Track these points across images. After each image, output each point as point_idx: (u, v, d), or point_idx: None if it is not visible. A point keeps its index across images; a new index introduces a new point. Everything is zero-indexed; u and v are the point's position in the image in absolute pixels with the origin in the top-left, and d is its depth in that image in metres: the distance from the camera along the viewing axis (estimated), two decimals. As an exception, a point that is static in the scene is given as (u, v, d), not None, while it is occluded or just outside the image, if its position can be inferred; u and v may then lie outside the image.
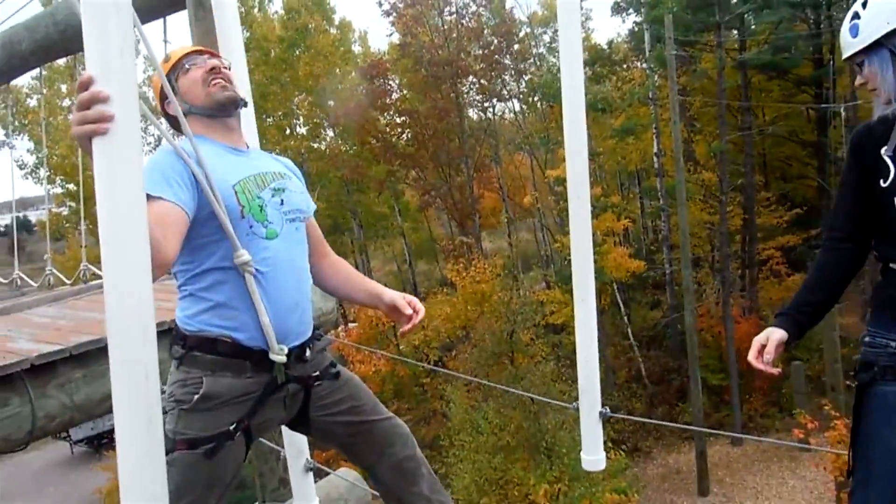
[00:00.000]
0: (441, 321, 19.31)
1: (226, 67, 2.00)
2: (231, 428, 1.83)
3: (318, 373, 2.02)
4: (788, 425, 15.26)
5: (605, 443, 2.45)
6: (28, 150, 26.89)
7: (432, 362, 18.99)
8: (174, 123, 1.98)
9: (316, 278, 2.16)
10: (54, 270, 5.44)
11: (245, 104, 2.04)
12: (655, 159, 21.44)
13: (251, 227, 1.85)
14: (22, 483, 19.95)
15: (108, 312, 1.30)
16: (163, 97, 1.96)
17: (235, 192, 1.84)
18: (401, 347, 21.55)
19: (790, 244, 20.12)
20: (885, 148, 1.75)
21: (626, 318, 21.83)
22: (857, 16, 1.75)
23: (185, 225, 1.72)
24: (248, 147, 2.06)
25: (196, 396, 1.80)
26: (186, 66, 1.97)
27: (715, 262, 21.63)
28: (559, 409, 13.23)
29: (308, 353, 1.99)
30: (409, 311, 2.12)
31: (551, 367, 15.47)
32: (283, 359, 1.86)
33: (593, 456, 2.40)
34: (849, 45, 1.77)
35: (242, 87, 2.41)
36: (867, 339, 1.83)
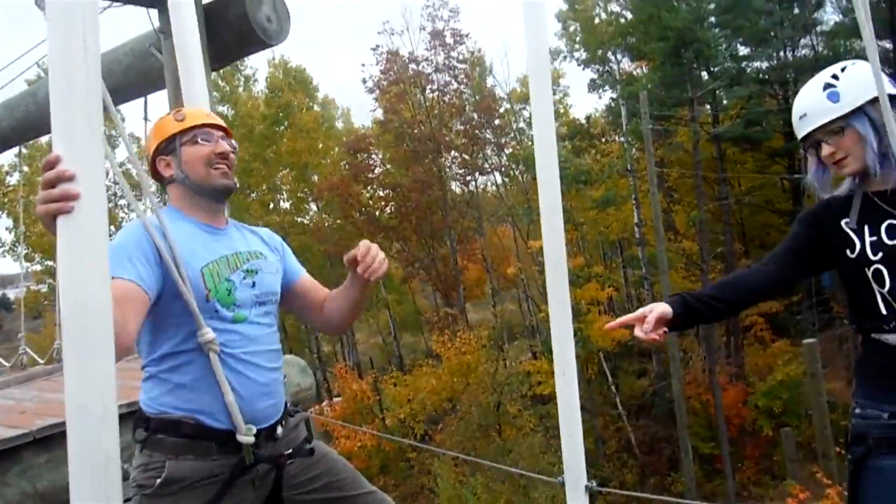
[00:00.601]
0: (427, 394, 19.07)
1: (233, 152, 1.98)
2: None
3: (290, 450, 1.93)
4: (782, 493, 14.98)
5: (593, 515, 2.39)
6: (6, 228, 26.81)
7: (418, 436, 18.63)
8: (157, 177, 1.98)
9: (325, 324, 2.16)
10: (27, 350, 5.33)
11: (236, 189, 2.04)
12: (636, 229, 21.73)
13: (216, 311, 1.81)
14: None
15: (68, 396, 1.25)
16: (158, 152, 1.94)
17: (203, 275, 1.81)
18: (386, 422, 21.15)
19: (773, 311, 20.24)
20: (846, 220, 1.80)
21: (613, 387, 21.64)
22: (831, 85, 1.78)
23: (145, 305, 1.69)
24: (227, 223, 2.02)
25: (158, 481, 1.73)
26: (198, 138, 1.93)
27: (699, 329, 21.64)
28: (550, 482, 12.94)
29: (280, 430, 1.92)
30: (362, 253, 1.88)
31: (539, 439, 15.25)
32: (251, 440, 1.79)
33: (579, 532, 2.33)
34: (828, 110, 1.77)
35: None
36: (857, 410, 1.80)
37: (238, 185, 2.03)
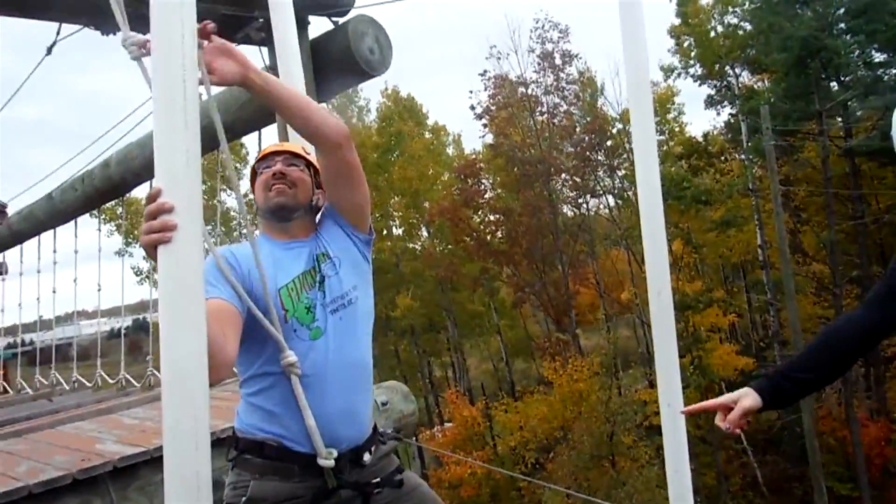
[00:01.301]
0: (538, 421, 18.73)
1: (302, 168, 1.98)
2: None
3: (378, 479, 1.92)
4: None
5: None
6: (143, 258, 28.92)
7: (529, 464, 18.29)
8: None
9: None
10: (154, 371, 5.62)
11: (311, 208, 2.01)
12: (760, 251, 20.62)
13: (295, 330, 1.83)
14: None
15: (165, 421, 1.30)
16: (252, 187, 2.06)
17: (280, 297, 1.84)
18: (497, 449, 20.94)
19: (919, 339, 18.55)
20: None
21: (737, 420, 20.45)
22: None
23: (239, 320, 1.72)
24: (312, 233, 1.99)
25: (244, 499, 1.78)
26: (259, 171, 2.01)
27: (833, 358, 20.13)
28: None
29: (367, 457, 1.90)
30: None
31: (656, 472, 14.56)
32: (331, 463, 1.78)
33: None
34: None
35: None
36: None
37: (300, 202, 1.96)
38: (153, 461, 2.92)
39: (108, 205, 7.44)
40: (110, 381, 6.26)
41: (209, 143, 4.35)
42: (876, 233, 21.09)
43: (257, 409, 1.84)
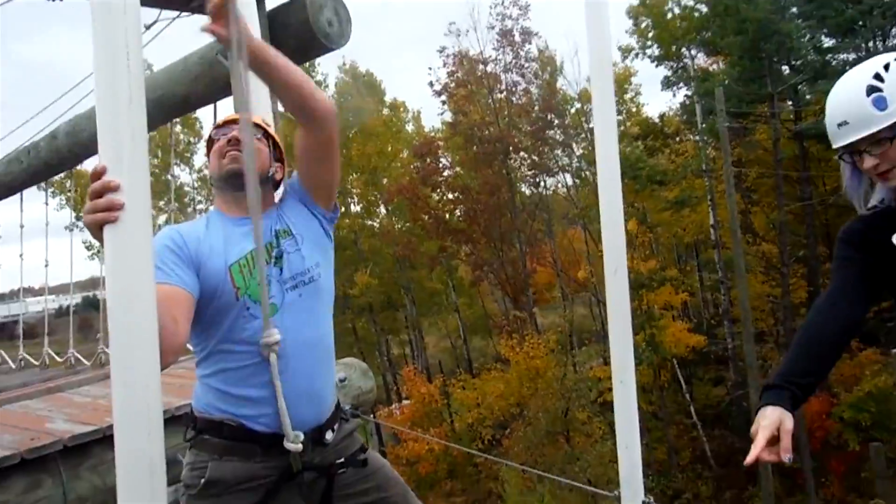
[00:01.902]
0: (495, 398, 18.95)
1: (259, 137, 1.92)
2: None
3: (342, 459, 1.89)
4: (870, 513, 14.17)
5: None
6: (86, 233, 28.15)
7: (486, 441, 18.52)
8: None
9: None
10: (105, 349, 5.51)
11: (267, 179, 1.93)
12: (712, 231, 21.06)
13: (248, 308, 1.76)
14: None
15: (115, 402, 1.28)
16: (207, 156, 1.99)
17: (231, 274, 1.77)
18: (455, 426, 21.14)
19: (861, 317, 19.22)
20: None
21: (688, 395, 21.00)
22: (876, 88, 1.56)
23: (191, 304, 1.69)
24: (266, 208, 1.89)
25: (202, 481, 1.74)
26: (216, 138, 1.94)
27: (780, 336, 20.76)
28: (606, 496, 12.63)
29: (329, 436, 1.87)
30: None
31: (609, 447, 14.87)
32: (299, 447, 1.74)
33: (637, 550, 2.21)
34: (873, 119, 1.55)
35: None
36: None
37: (256, 170, 1.72)
38: (106, 439, 2.86)
39: (56, 178, 7.22)
40: (58, 359, 6.12)
41: (161, 117, 4.21)
42: (822, 214, 21.73)
43: (214, 390, 1.79)
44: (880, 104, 1.56)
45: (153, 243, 1.76)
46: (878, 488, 14.26)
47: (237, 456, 1.75)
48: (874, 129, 1.56)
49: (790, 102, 20.41)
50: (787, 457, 1.49)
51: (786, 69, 19.84)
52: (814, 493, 16.36)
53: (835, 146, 1.66)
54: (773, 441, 1.51)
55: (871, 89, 1.57)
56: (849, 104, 1.61)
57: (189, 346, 1.83)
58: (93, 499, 2.80)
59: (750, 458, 1.52)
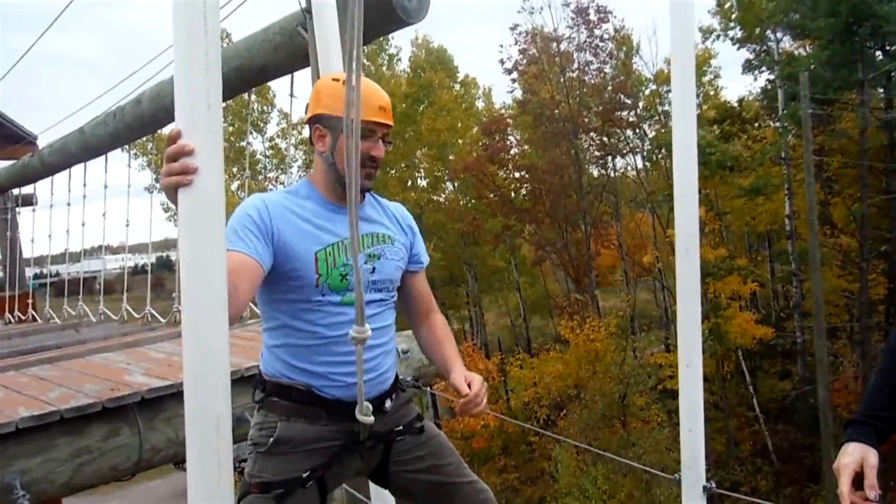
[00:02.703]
0: (552, 379, 18.90)
1: (387, 148, 1.93)
2: (304, 475, 1.81)
3: (400, 427, 1.98)
4: (939, 522, 13.59)
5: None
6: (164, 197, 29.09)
7: (541, 420, 18.53)
8: (310, 140, 1.93)
9: (414, 336, 2.14)
10: (179, 308, 5.73)
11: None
12: (787, 221, 20.31)
13: (324, 294, 1.82)
14: (147, 509, 21.12)
15: (186, 362, 1.33)
16: (319, 119, 1.88)
17: (316, 259, 1.81)
18: (510, 403, 21.21)
19: (943, 317, 18.29)
20: None
21: (751, 387, 20.46)
22: None
23: (258, 276, 1.72)
24: (363, 200, 1.97)
25: (271, 440, 1.81)
26: (356, 133, 1.87)
27: (854, 333, 19.95)
28: (668, 479, 12.47)
29: (388, 404, 1.94)
30: (465, 390, 1.86)
31: (666, 435, 14.69)
32: (371, 420, 1.77)
33: (695, 534, 2.19)
34: None
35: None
36: None
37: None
38: (179, 395, 2.99)
39: (139, 140, 7.49)
40: (136, 315, 6.40)
41: (239, 85, 4.31)
42: (908, 208, 20.65)
43: (280, 360, 1.87)
44: None
45: (239, 208, 1.84)
46: (950, 497, 13.66)
47: (304, 418, 1.83)
48: None
49: (881, 90, 19.34)
50: (872, 493, 1.44)
51: (879, 55, 18.78)
52: (883, 496, 15.77)
53: None
54: (857, 478, 1.47)
55: None
56: None
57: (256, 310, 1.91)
58: (166, 450, 2.95)
59: (844, 490, 1.48)
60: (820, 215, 16.61)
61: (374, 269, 1.91)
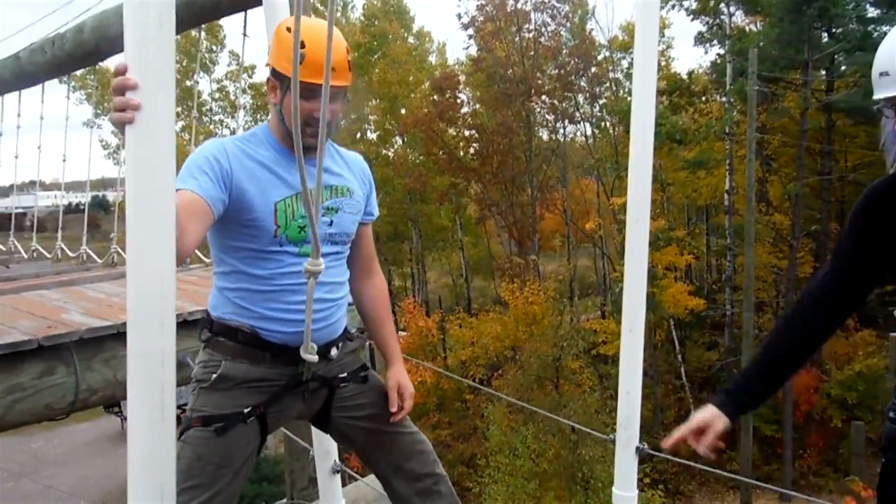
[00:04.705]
0: (490, 339, 19.20)
1: (340, 99, 1.84)
2: (245, 411, 1.84)
3: (344, 374, 2.01)
4: (843, 488, 14.50)
5: (641, 480, 2.33)
6: (112, 132, 28.07)
7: (477, 379, 18.86)
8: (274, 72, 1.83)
9: (352, 296, 2.12)
10: (118, 249, 5.57)
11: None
12: (726, 196, 20.88)
13: (281, 245, 1.82)
14: (75, 451, 20.74)
15: (130, 299, 1.31)
16: (273, 72, 1.82)
17: (275, 210, 1.80)
18: (448, 361, 21.49)
19: (863, 298, 19.22)
20: None
21: (680, 356, 21.23)
22: None
23: (208, 217, 1.69)
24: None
25: (214, 376, 1.83)
26: (303, 93, 1.69)
27: (779, 308, 20.85)
28: (600, 441, 12.91)
29: (334, 352, 1.97)
30: (394, 407, 2.02)
31: (596, 398, 15.15)
32: (315, 358, 1.82)
33: (626, 492, 2.29)
34: None
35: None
36: (891, 414, 1.65)
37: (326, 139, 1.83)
38: (120, 336, 2.93)
39: (78, 72, 7.14)
40: (70, 254, 6.21)
41: (191, 20, 4.14)
42: (839, 190, 21.50)
43: (232, 303, 1.86)
44: None
45: (197, 150, 1.80)
46: (853, 466, 14.58)
47: (248, 359, 1.85)
48: None
49: (824, 72, 19.89)
50: (702, 450, 1.65)
51: (825, 37, 19.26)
52: (790, 462, 16.73)
53: (874, 97, 1.57)
54: (700, 434, 1.66)
55: None
56: (892, 54, 1.50)
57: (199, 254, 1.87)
58: (103, 391, 2.89)
59: (668, 442, 1.72)
60: (757, 192, 17.14)
61: (331, 221, 1.90)
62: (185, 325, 2.93)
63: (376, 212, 2.11)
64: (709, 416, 1.67)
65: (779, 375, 1.74)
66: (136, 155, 1.29)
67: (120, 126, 1.30)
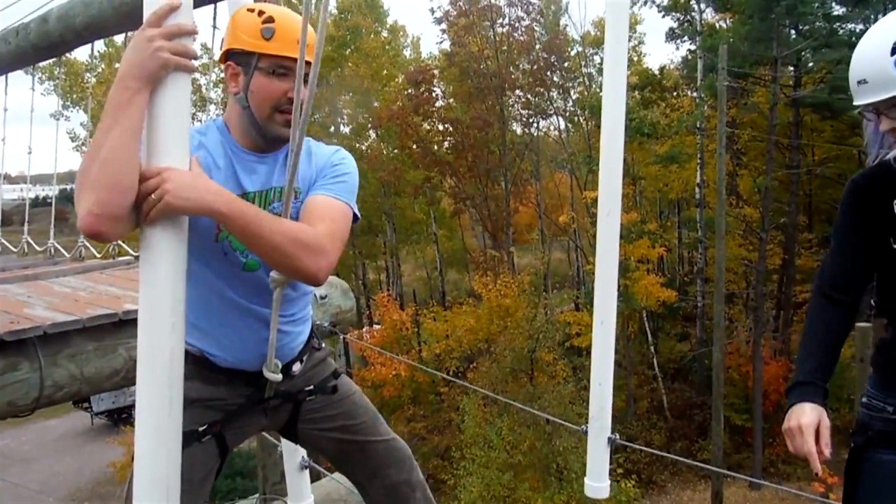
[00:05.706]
0: (464, 332, 19.24)
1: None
2: (200, 429, 1.73)
3: (311, 387, 1.91)
4: (811, 474, 14.80)
5: (614, 471, 2.36)
6: (81, 124, 27.50)
7: (451, 372, 18.91)
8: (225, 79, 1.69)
9: None
10: (86, 243, 5.48)
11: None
12: (697, 190, 21.14)
13: (225, 253, 1.66)
14: (43, 448, 20.42)
15: (142, 299, 1.36)
16: (232, 55, 1.63)
17: None
18: (422, 354, 21.51)
19: (829, 289, 19.58)
20: None
21: (652, 347, 21.49)
22: None
23: None
24: (280, 147, 1.70)
25: None
26: (277, 70, 1.60)
27: (749, 299, 21.19)
28: (573, 432, 13.03)
29: (297, 367, 1.87)
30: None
31: (570, 390, 15.28)
32: (279, 377, 1.73)
33: (598, 483, 2.30)
34: (894, 82, 1.47)
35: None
36: (864, 399, 1.71)
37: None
38: (85, 331, 2.87)
39: (44, 63, 7.00)
40: (38, 248, 6.10)
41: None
42: (807, 183, 21.88)
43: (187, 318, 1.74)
44: None
45: None
46: (821, 452, 14.85)
47: (201, 380, 1.74)
48: (893, 93, 1.49)
49: (792, 68, 20.23)
50: (829, 451, 1.56)
51: (793, 34, 19.58)
52: (760, 450, 17.04)
53: (854, 104, 1.59)
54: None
55: None
56: (871, 62, 1.52)
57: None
58: (69, 387, 2.82)
59: (817, 468, 1.56)
60: (727, 186, 17.36)
61: None
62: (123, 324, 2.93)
63: (324, 190, 1.69)
64: (816, 416, 1.60)
65: (836, 356, 1.74)
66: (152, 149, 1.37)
67: (164, 69, 1.30)
